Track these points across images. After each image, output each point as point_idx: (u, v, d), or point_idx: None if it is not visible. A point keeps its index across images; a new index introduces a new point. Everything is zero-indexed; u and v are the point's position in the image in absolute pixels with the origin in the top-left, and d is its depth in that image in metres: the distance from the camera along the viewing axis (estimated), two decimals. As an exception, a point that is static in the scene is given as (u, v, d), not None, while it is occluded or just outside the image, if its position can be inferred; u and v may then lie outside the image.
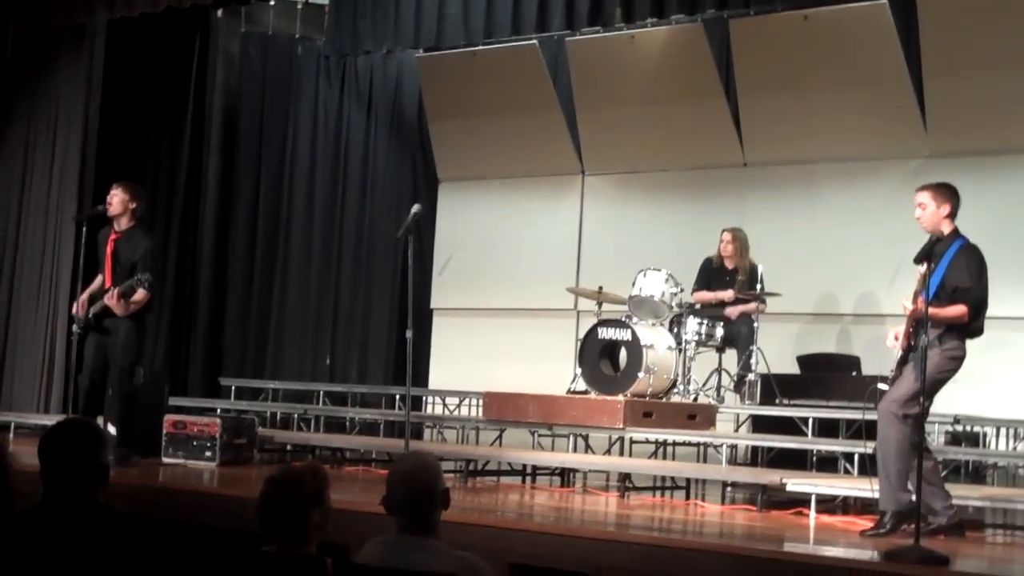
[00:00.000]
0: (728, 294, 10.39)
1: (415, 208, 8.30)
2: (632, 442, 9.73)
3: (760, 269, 10.30)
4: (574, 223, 13.03)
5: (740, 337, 10.26)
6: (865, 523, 6.89)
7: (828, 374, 10.12)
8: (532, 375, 11.13)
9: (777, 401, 9.69)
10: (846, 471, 8.35)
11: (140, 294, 8.60)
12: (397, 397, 11.73)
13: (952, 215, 6.61)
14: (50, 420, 9.76)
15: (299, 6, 13.75)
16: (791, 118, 11.45)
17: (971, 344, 6.60)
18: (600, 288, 10.37)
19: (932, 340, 6.22)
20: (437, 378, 13.14)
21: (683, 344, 9.99)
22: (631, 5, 10.96)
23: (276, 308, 13.63)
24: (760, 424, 9.80)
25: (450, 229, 13.77)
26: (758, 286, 10.20)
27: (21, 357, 12.55)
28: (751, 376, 10.02)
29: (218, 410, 11.22)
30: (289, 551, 3.84)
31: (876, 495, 6.64)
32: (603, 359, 9.89)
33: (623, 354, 9.76)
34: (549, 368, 11.38)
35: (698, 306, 10.46)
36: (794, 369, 10.50)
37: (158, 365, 12.46)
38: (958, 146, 10.68)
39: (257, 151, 13.70)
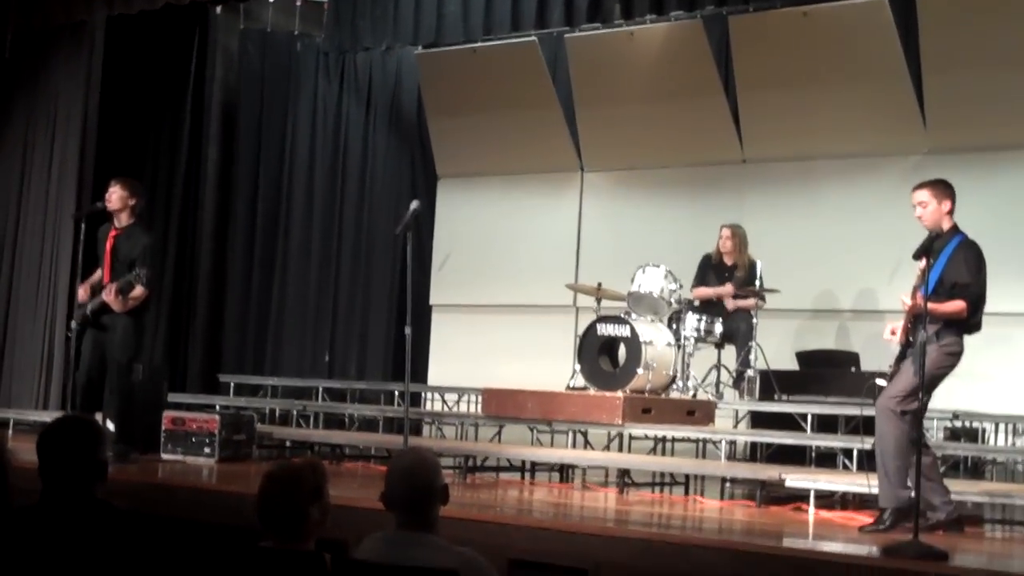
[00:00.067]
0: (727, 289, 10.39)
1: (414, 204, 8.29)
2: (631, 438, 9.74)
3: (759, 265, 10.30)
4: (573, 220, 13.03)
5: (739, 333, 10.26)
6: (864, 519, 6.89)
7: (827, 370, 10.13)
8: (531, 371, 11.12)
9: (776, 397, 9.69)
10: (845, 467, 8.35)
11: (138, 290, 8.60)
12: (396, 393, 11.74)
13: (952, 211, 6.62)
14: (49, 417, 9.75)
15: (298, 3, 13.71)
16: (790, 114, 11.45)
17: (970, 340, 6.60)
18: (599, 284, 10.38)
19: (930, 336, 6.22)
20: (436, 374, 13.14)
21: (682, 340, 10.00)
22: (630, 2, 10.95)
23: (275, 304, 13.63)
24: (759, 420, 9.80)
25: (449, 226, 13.77)
26: (757, 282, 10.20)
27: (20, 354, 12.54)
28: (750, 372, 10.02)
29: (217, 406, 11.22)
30: (288, 547, 3.84)
31: (874, 491, 6.64)
32: (602, 355, 9.89)
33: (622, 350, 9.77)
34: (548, 364, 11.39)
35: (697, 302, 10.46)
36: (793, 365, 10.50)
37: (157, 361, 12.46)
38: (957, 142, 10.68)
39: (256, 148, 13.70)
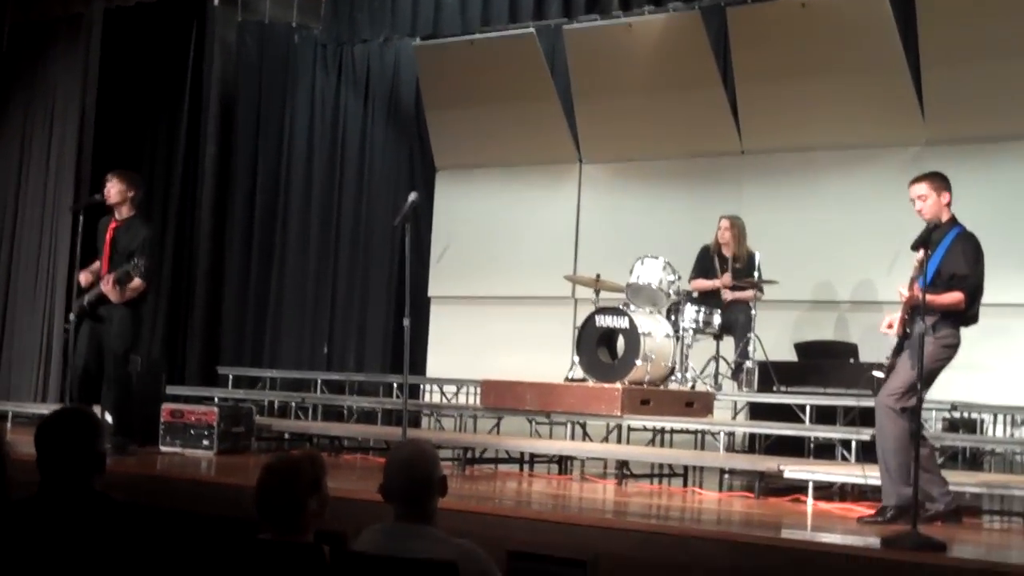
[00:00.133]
0: (724, 279, 10.39)
1: (412, 196, 8.29)
2: (630, 429, 9.75)
3: (758, 257, 10.29)
4: (571, 211, 13.02)
5: (738, 325, 10.26)
6: (862, 510, 6.91)
7: (825, 361, 10.12)
8: (530, 363, 11.12)
9: (775, 388, 9.69)
10: (843, 458, 8.36)
11: (136, 282, 8.60)
12: (395, 385, 11.74)
13: (950, 203, 6.62)
14: (47, 409, 9.68)
15: (296, -6, 13.74)
16: (788, 106, 11.44)
17: (969, 331, 6.60)
18: (598, 276, 10.37)
19: (927, 328, 6.21)
20: (435, 366, 13.13)
21: (680, 332, 9.99)
22: (629, -7, 10.96)
23: (273, 296, 13.63)
24: (757, 411, 9.80)
25: (447, 217, 13.76)
26: (756, 274, 10.20)
27: (18, 346, 12.56)
28: (749, 363, 10.02)
29: (215, 399, 11.22)
30: (286, 539, 3.84)
31: (871, 482, 6.65)
32: (601, 347, 9.89)
33: (621, 342, 9.77)
34: (547, 356, 11.39)
35: (696, 294, 10.46)
36: (792, 356, 10.50)
37: (155, 354, 12.46)
38: (955, 134, 10.68)
39: (254, 140, 13.69)
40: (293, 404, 11.62)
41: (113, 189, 8.84)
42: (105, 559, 3.71)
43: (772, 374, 9.75)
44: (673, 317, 10.06)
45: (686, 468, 8.90)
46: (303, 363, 13.33)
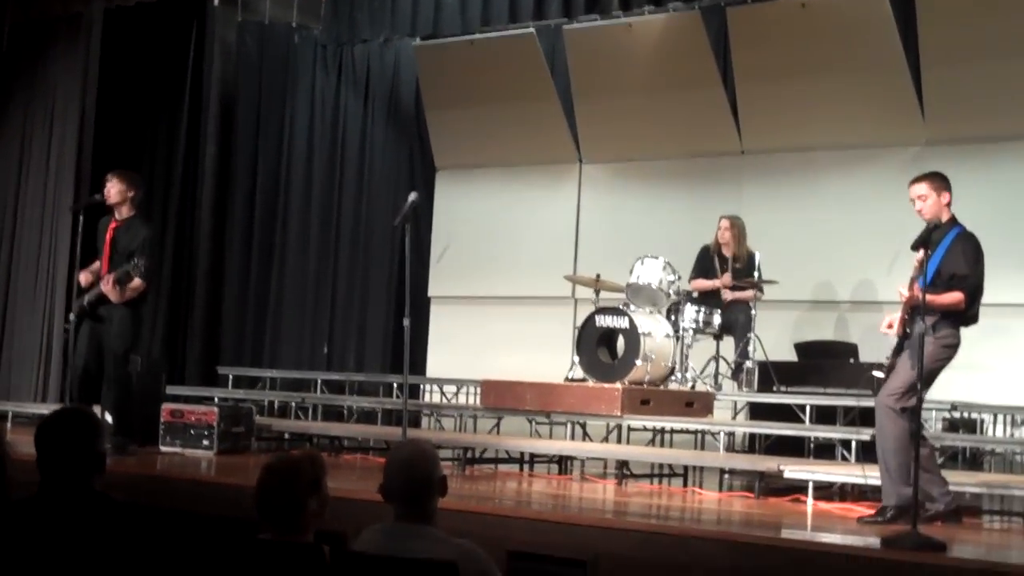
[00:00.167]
0: (725, 279, 10.38)
1: (412, 196, 8.29)
2: (630, 429, 9.75)
3: (758, 257, 10.30)
4: (571, 211, 13.02)
5: (738, 325, 10.26)
6: (862, 510, 6.91)
7: (825, 361, 10.12)
8: (530, 363, 11.12)
9: (775, 388, 9.69)
10: (843, 458, 8.36)
11: (136, 282, 8.60)
12: (395, 385, 11.74)
13: (950, 203, 6.62)
14: (47, 409, 9.70)
15: (295, -5, 13.74)
16: (788, 106, 11.44)
17: (969, 331, 6.60)
18: (598, 276, 10.36)
19: (927, 328, 6.21)
20: (435, 366, 13.13)
21: (680, 332, 9.99)
22: (629, -7, 10.96)
23: (273, 297, 13.63)
24: (757, 411, 9.80)
25: (447, 217, 13.76)
26: (756, 274, 10.20)
27: (19, 346, 12.57)
28: (749, 363, 10.02)
29: (216, 399, 11.22)
30: (286, 539, 3.84)
31: (871, 482, 6.64)
32: (601, 347, 9.89)
33: (621, 342, 9.77)
34: (547, 356, 11.39)
35: (696, 294, 10.46)
36: (792, 357, 10.50)
37: (155, 354, 12.47)
38: (955, 134, 10.68)
39: (254, 140, 13.69)
40: (293, 404, 11.62)
41: (113, 189, 8.84)
42: (105, 559, 3.71)
43: (772, 374, 9.75)
44: (673, 317, 10.06)
45: (686, 468, 8.89)
46: (303, 363, 13.33)
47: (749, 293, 10.28)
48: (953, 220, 6.60)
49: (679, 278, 10.12)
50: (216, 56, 13.47)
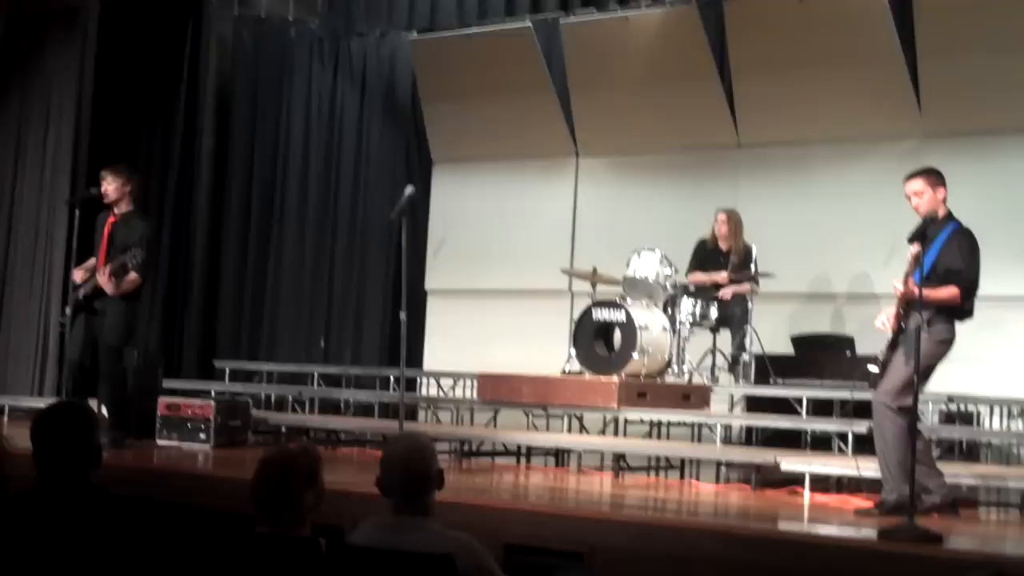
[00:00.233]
0: (721, 276, 10.39)
1: (409, 190, 8.28)
2: (627, 422, 9.74)
3: (754, 250, 10.30)
4: (568, 205, 13.00)
5: (734, 318, 10.26)
6: (859, 502, 6.92)
7: (822, 354, 10.12)
8: (526, 356, 11.11)
9: (771, 381, 9.70)
10: (840, 450, 8.36)
11: (131, 275, 8.58)
12: (391, 378, 11.73)
13: (945, 198, 6.62)
14: (44, 403, 9.73)
15: (292, -12, 13.73)
16: (785, 100, 11.43)
17: (966, 323, 6.59)
18: (594, 269, 10.36)
19: (922, 322, 6.21)
20: (431, 359, 13.14)
21: (677, 325, 10.00)
22: (625, -13, 10.96)
23: (270, 290, 13.63)
24: (754, 404, 9.80)
25: (444, 211, 13.75)
26: (752, 267, 10.20)
27: (15, 340, 12.56)
28: (745, 356, 10.03)
29: (212, 392, 11.21)
30: (283, 532, 3.85)
31: (867, 474, 6.64)
32: (597, 340, 9.89)
33: (617, 335, 9.77)
34: (543, 349, 11.37)
35: (692, 287, 10.46)
36: (788, 349, 10.50)
37: (152, 347, 12.47)
38: (952, 127, 10.68)
39: (250, 134, 13.68)
40: (290, 397, 11.61)
41: (110, 187, 8.81)
42: (102, 552, 3.72)
43: (769, 367, 9.76)
44: (670, 310, 10.07)
45: (683, 461, 8.90)
46: (300, 356, 13.32)
47: (746, 286, 10.28)
48: (949, 215, 6.60)
49: (676, 271, 10.12)
50: (212, 50, 13.47)
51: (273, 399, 11.78)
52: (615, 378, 9.28)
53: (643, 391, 9.31)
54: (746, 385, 9.90)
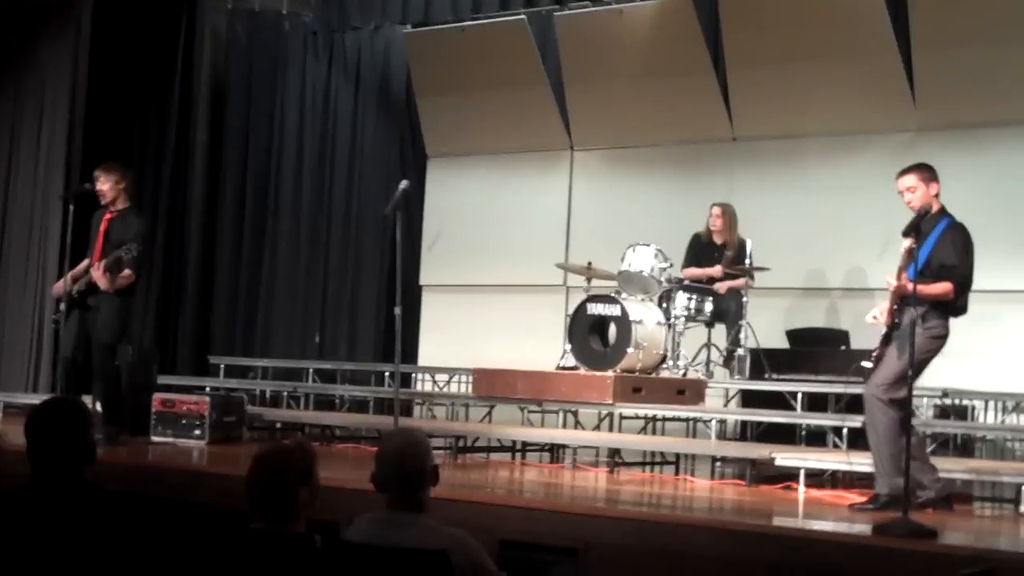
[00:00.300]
0: (716, 270, 10.38)
1: (403, 184, 8.26)
2: (622, 417, 9.75)
3: (749, 244, 10.30)
4: (563, 199, 13.00)
5: (729, 312, 10.26)
6: (854, 497, 6.91)
7: (817, 348, 10.13)
8: (521, 351, 11.13)
9: (766, 376, 9.70)
10: (835, 445, 8.36)
11: (125, 271, 8.57)
12: (386, 374, 11.73)
13: (938, 193, 6.61)
14: (39, 400, 9.72)
15: (286, -18, 13.70)
16: (780, 92, 11.43)
17: (960, 317, 6.59)
18: (589, 264, 10.36)
19: (916, 317, 6.20)
20: (426, 355, 13.13)
21: (672, 319, 9.99)
22: (620, -20, 10.95)
23: (265, 286, 13.62)
24: (749, 399, 9.81)
25: (439, 205, 13.74)
26: (747, 261, 10.20)
27: (10, 337, 12.54)
28: (740, 351, 10.02)
29: (207, 388, 11.18)
30: (278, 528, 3.84)
31: (861, 468, 6.64)
32: (592, 335, 9.89)
33: (612, 330, 9.76)
34: (538, 344, 11.39)
35: (687, 281, 10.45)
36: (783, 344, 10.51)
37: (147, 343, 12.45)
38: (947, 119, 10.68)
39: (245, 128, 13.66)
40: (285, 393, 11.60)
41: (105, 185, 8.78)
42: (96, 549, 3.71)
43: (763, 361, 9.76)
44: (665, 305, 10.06)
45: (678, 456, 8.91)
46: (294, 352, 13.31)
47: (740, 281, 10.28)
48: (943, 210, 6.60)
49: (671, 265, 10.11)
50: (206, 43, 13.44)
51: (268, 395, 11.77)
52: (610, 373, 9.28)
53: (638, 386, 9.31)
54: (741, 380, 9.90)
